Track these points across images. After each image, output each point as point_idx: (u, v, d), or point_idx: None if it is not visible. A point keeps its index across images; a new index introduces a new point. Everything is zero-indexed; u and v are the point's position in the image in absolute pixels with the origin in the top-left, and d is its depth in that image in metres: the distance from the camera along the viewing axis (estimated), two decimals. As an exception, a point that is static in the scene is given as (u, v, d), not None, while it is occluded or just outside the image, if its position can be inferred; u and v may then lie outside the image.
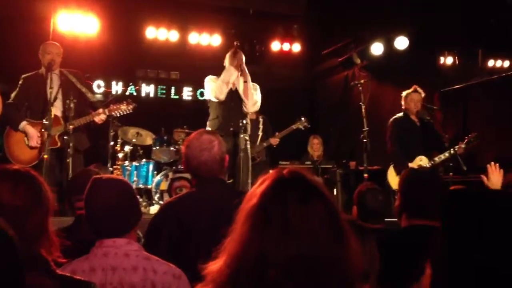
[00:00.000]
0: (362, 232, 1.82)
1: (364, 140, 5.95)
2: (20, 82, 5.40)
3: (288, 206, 1.20)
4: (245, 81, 5.38)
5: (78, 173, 3.21)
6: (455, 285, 1.22)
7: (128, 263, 2.00)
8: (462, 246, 1.14)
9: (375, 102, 7.82)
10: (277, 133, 7.18)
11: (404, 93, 6.20)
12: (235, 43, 5.61)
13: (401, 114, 6.20)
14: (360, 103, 6.17)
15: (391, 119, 6.23)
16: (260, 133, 7.10)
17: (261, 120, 7.16)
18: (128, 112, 5.46)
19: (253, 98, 5.46)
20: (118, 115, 5.47)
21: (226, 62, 5.56)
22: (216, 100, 5.43)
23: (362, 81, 6.43)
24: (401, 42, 7.65)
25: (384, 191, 3.49)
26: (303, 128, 7.32)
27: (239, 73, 5.42)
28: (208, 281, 1.25)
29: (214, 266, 1.25)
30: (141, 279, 1.98)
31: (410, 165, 5.76)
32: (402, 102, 6.18)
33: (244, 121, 5.26)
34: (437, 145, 6.08)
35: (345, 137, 8.47)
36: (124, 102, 5.44)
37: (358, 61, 8.63)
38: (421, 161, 5.90)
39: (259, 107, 5.70)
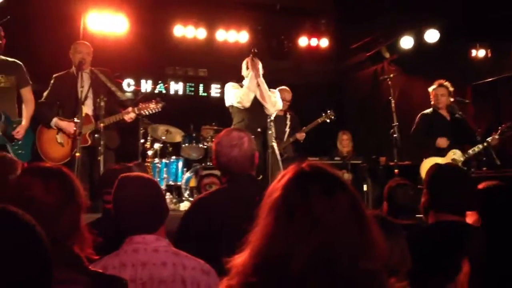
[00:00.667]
0: (391, 228, 1.80)
1: (394, 135, 5.88)
2: (52, 81, 5.51)
3: (311, 199, 1.19)
4: (258, 85, 5.41)
5: (109, 168, 3.26)
6: (494, 283, 1.20)
7: (158, 259, 2.02)
8: (502, 243, 1.12)
9: (405, 96, 7.72)
10: (303, 128, 7.15)
11: (430, 88, 6.12)
12: (252, 50, 5.59)
13: (430, 109, 6.13)
14: (390, 97, 6.10)
15: (419, 114, 6.16)
16: (287, 130, 7.08)
17: (288, 116, 7.14)
18: (157, 110, 5.52)
19: (271, 100, 5.49)
20: (147, 114, 5.54)
21: (244, 70, 5.59)
22: (240, 106, 5.46)
23: (391, 75, 6.35)
24: (432, 35, 7.51)
25: (415, 186, 3.43)
26: (328, 121, 7.27)
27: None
28: (234, 274, 1.26)
29: (239, 260, 1.26)
30: (171, 274, 2.00)
31: (443, 159, 5.68)
32: (431, 97, 6.10)
33: (269, 119, 5.29)
34: (469, 139, 5.96)
35: (374, 133, 8.37)
36: (153, 100, 5.50)
37: (387, 55, 8.52)
38: (454, 155, 5.80)
39: (280, 107, 5.72)
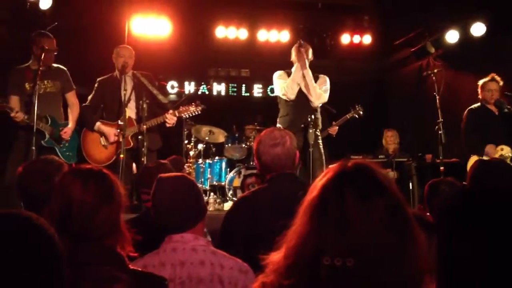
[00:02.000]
0: (429, 228, 1.76)
1: (440, 132, 5.74)
2: (96, 85, 5.66)
3: (346, 202, 1.18)
4: (303, 76, 5.37)
5: (144, 166, 3.32)
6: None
7: (196, 258, 2.04)
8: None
9: (451, 92, 7.51)
10: (333, 123, 7.06)
11: (480, 82, 5.95)
12: (299, 41, 5.59)
13: (477, 104, 5.95)
14: (434, 93, 5.96)
15: (467, 110, 6.00)
16: None
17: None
18: (197, 113, 5.63)
19: (316, 91, 5.45)
20: (188, 117, 5.64)
21: (293, 55, 5.59)
22: (286, 98, 5.46)
23: (435, 70, 6.19)
24: (478, 29, 7.29)
25: (456, 183, 3.34)
26: (357, 116, 7.16)
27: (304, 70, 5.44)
28: (269, 272, 1.26)
29: (275, 258, 1.26)
30: (209, 273, 2.02)
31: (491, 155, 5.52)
32: (479, 91, 5.93)
33: (313, 116, 5.25)
34: (518, 134, 5.76)
35: (420, 129, 8.19)
36: (193, 103, 5.61)
37: (432, 50, 8.31)
38: (502, 150, 5.62)
39: (326, 99, 5.67)
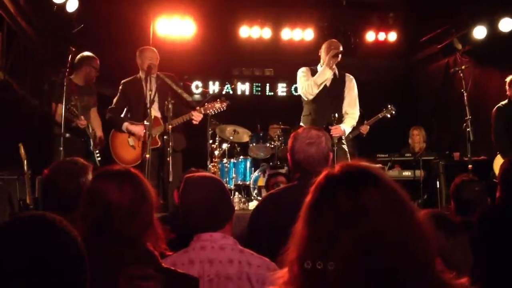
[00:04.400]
0: (451, 227, 1.75)
1: (467, 130, 5.65)
2: (120, 87, 5.73)
3: (336, 198, 1.16)
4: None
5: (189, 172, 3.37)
6: None
7: (224, 256, 2.06)
8: None
9: (479, 89, 7.39)
10: (365, 121, 7.00)
11: (508, 79, 5.84)
12: (336, 52, 5.46)
13: (505, 101, 5.85)
14: (462, 90, 5.87)
15: (495, 108, 5.90)
16: None
17: None
18: (222, 109, 5.64)
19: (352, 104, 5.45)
20: (213, 113, 5.66)
21: (322, 53, 5.52)
22: (304, 98, 5.43)
23: (463, 67, 6.09)
24: (506, 24, 7.15)
25: (481, 182, 3.29)
26: (389, 116, 7.10)
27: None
28: (280, 284, 1.24)
29: (282, 272, 1.24)
30: (237, 271, 2.03)
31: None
32: (507, 88, 5.81)
33: (337, 115, 5.20)
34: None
35: (447, 127, 8.08)
36: (218, 100, 5.63)
37: (460, 46, 8.17)
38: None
39: (357, 117, 5.61)
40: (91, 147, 5.74)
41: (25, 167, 4.95)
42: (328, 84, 5.41)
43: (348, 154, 5.36)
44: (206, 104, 5.61)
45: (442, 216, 1.88)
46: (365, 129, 6.89)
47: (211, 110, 5.59)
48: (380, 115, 7.09)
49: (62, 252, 1.13)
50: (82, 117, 5.58)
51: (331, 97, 5.42)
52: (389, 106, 7.11)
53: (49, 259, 1.11)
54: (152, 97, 5.31)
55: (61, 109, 5.36)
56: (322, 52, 5.53)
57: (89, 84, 5.94)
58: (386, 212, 1.14)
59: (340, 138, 5.30)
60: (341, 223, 1.13)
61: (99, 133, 5.96)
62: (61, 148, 5.07)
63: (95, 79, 5.96)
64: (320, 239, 1.15)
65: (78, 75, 5.84)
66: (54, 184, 2.63)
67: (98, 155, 5.80)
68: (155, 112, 5.47)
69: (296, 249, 1.20)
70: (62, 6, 6.12)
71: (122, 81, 5.74)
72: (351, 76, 5.63)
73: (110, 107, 5.71)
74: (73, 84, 5.70)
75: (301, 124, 5.47)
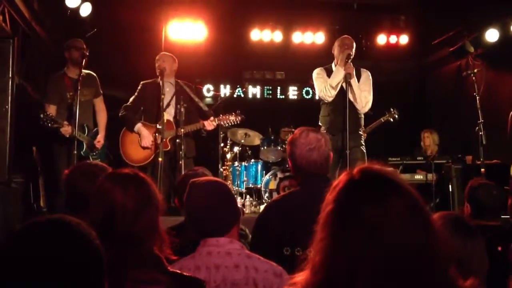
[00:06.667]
0: (467, 231, 1.74)
1: (480, 133, 5.61)
2: (139, 87, 5.77)
3: (362, 207, 1.16)
4: (344, 82, 5.22)
5: (186, 173, 3.37)
6: None
7: (231, 261, 2.05)
8: None
9: (492, 92, 7.33)
10: (366, 128, 6.94)
11: None
12: (348, 53, 5.38)
13: (520, 105, 5.80)
14: (474, 93, 5.83)
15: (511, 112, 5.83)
16: None
17: None
18: (236, 123, 5.81)
19: (363, 100, 5.32)
20: (227, 125, 5.76)
21: (335, 50, 5.48)
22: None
23: (475, 70, 6.06)
24: (519, 27, 7.10)
25: (498, 186, 3.25)
26: (392, 120, 7.05)
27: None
28: None
29: (300, 278, 1.24)
30: (243, 276, 2.03)
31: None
32: (521, 91, 5.77)
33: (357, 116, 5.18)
34: None
35: (459, 130, 8.02)
36: (233, 113, 5.77)
37: (472, 49, 8.11)
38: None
39: (369, 106, 5.49)
40: (83, 152, 5.47)
41: (39, 170, 5.00)
42: (345, 85, 5.34)
43: (366, 156, 5.31)
44: (221, 115, 5.72)
45: (460, 220, 1.87)
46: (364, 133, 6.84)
47: (225, 122, 5.73)
48: (382, 119, 7.02)
49: (79, 254, 1.15)
50: (66, 122, 5.25)
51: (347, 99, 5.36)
52: (391, 109, 7.05)
53: (67, 261, 1.12)
54: (167, 101, 5.36)
55: (53, 109, 5.38)
56: (335, 50, 5.48)
57: (79, 66, 5.39)
58: (410, 221, 1.15)
59: (359, 139, 5.26)
60: (368, 233, 1.14)
61: (101, 131, 5.72)
62: (75, 152, 5.12)
63: (83, 59, 5.40)
64: (346, 249, 1.15)
65: (69, 68, 5.59)
66: (73, 185, 2.67)
67: (95, 157, 5.58)
68: (168, 116, 5.51)
69: (320, 257, 1.19)
70: (76, 10, 6.18)
71: (142, 82, 5.81)
72: (366, 70, 5.56)
73: (125, 104, 5.74)
74: (67, 78, 5.52)
75: (320, 124, 5.44)
